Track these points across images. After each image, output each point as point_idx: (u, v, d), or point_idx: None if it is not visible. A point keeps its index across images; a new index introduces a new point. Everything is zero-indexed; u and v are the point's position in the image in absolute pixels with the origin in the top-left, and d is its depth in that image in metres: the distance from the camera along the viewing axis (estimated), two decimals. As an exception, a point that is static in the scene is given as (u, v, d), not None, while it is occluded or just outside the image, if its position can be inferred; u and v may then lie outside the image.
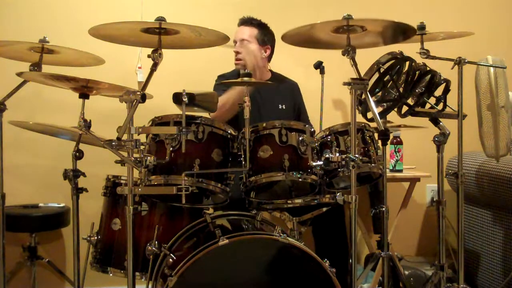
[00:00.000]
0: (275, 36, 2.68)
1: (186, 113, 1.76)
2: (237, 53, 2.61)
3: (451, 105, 2.21)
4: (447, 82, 2.18)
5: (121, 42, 1.88)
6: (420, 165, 2.93)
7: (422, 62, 2.14)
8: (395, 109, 2.18)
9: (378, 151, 2.05)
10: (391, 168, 2.86)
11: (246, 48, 2.59)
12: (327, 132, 1.96)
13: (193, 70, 2.86)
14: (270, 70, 2.76)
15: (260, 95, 2.62)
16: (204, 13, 3.02)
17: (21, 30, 2.80)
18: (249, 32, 2.62)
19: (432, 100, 2.22)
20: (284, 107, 2.69)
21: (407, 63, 2.09)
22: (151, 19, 1.68)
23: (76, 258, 2.06)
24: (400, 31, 1.87)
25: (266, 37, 2.65)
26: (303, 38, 1.91)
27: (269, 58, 2.70)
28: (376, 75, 2.06)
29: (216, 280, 1.75)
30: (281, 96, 2.71)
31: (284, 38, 1.87)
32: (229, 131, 1.91)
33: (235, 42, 2.63)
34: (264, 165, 1.86)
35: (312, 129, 1.94)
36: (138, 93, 1.63)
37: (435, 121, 2.23)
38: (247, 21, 2.67)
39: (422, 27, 2.15)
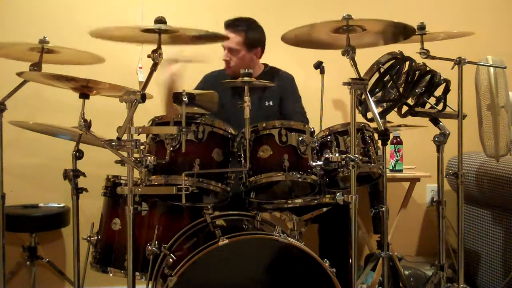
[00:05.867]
0: (264, 32, 2.58)
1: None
2: (226, 61, 2.53)
3: (451, 105, 2.21)
4: (447, 82, 2.18)
5: (121, 40, 1.88)
6: (420, 165, 2.93)
7: (422, 62, 2.14)
8: (395, 109, 2.18)
9: (378, 151, 2.05)
10: (391, 168, 2.86)
11: (235, 56, 2.49)
12: (327, 132, 1.96)
13: (193, 70, 2.86)
14: (264, 64, 2.69)
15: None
16: (204, 12, 3.02)
17: (21, 30, 2.80)
18: (236, 40, 2.48)
19: (432, 100, 2.21)
20: (271, 104, 2.60)
21: (407, 63, 2.08)
22: (151, 17, 1.68)
23: (76, 258, 2.06)
24: (400, 31, 1.87)
25: (254, 39, 2.52)
26: (303, 39, 1.91)
27: (261, 54, 2.62)
28: (376, 75, 2.06)
29: (216, 280, 1.74)
30: (269, 92, 2.60)
31: (284, 39, 1.86)
32: (229, 131, 1.91)
33: (223, 47, 2.53)
34: (264, 165, 1.86)
35: (312, 129, 1.94)
36: (138, 93, 1.63)
37: (435, 121, 2.23)
38: (231, 25, 2.50)
39: (422, 27, 2.15)
